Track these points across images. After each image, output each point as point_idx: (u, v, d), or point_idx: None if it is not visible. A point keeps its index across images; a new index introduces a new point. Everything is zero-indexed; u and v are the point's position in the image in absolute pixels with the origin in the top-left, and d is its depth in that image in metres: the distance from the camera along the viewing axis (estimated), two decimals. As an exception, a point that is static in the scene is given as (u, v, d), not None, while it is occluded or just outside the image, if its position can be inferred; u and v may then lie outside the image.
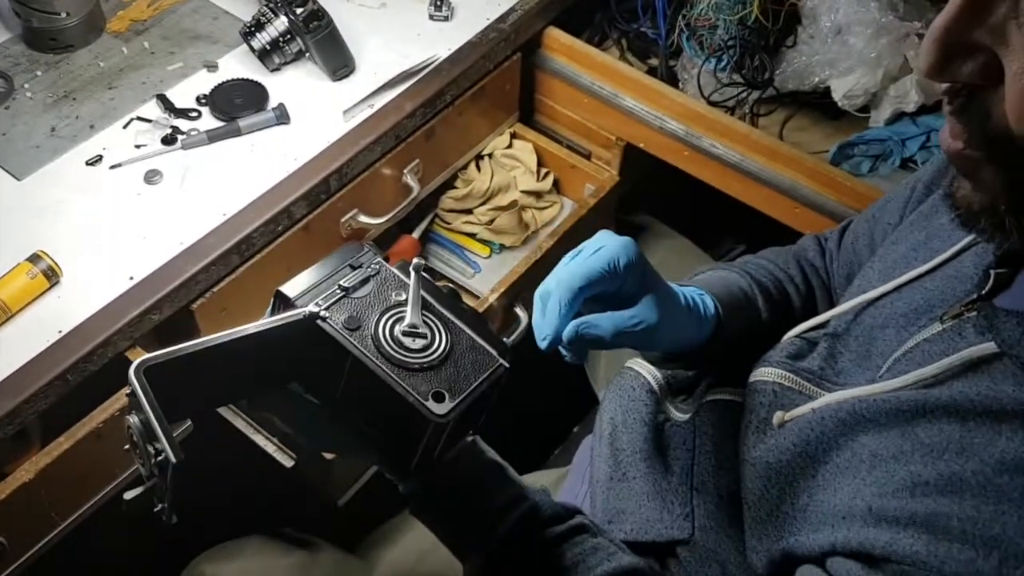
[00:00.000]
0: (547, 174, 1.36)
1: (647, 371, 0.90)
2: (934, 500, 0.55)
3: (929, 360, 0.61)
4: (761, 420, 0.71)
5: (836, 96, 1.19)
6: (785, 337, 0.80)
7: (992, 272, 0.60)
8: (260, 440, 1.10)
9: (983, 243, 0.65)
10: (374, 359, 0.63)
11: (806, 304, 0.89)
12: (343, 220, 1.12)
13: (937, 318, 0.63)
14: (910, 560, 0.54)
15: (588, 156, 1.38)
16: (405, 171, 1.18)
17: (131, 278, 0.95)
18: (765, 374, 0.74)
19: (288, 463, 1.08)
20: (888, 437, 0.60)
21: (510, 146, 1.35)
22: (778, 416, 0.69)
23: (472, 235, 1.33)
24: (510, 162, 1.34)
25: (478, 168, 1.33)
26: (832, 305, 0.90)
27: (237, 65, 1.18)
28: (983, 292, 0.60)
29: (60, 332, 0.91)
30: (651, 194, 1.44)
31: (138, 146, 1.08)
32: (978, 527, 0.52)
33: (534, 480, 1.06)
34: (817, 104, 1.25)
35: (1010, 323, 0.56)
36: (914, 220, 0.77)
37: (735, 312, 0.81)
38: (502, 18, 1.24)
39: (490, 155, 1.34)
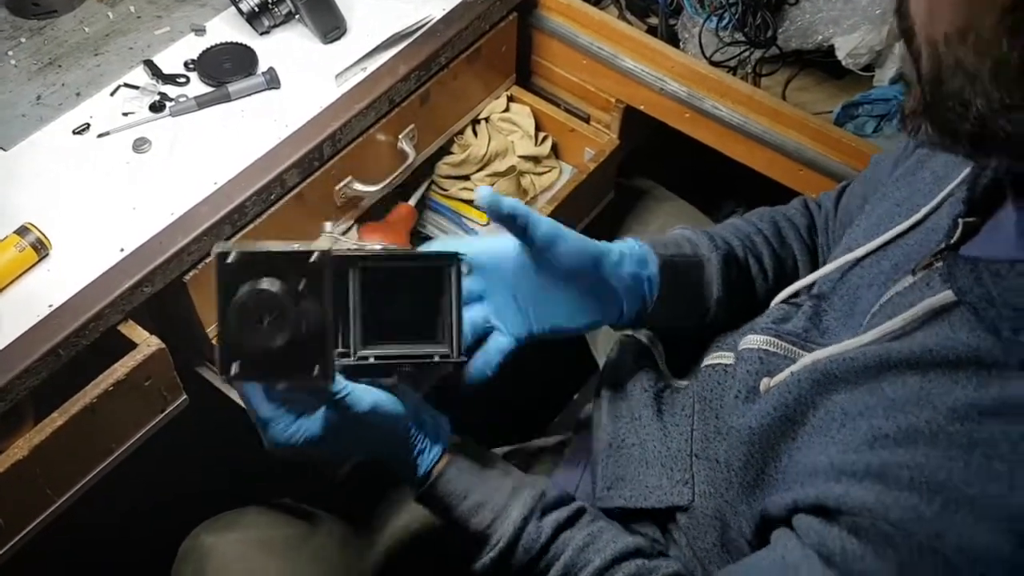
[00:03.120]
0: (545, 138, 1.33)
1: (646, 337, 0.89)
2: (890, 452, 0.55)
3: (898, 312, 0.61)
4: (749, 388, 0.71)
5: (840, 55, 1.17)
6: (773, 303, 0.80)
7: (960, 221, 0.61)
8: (257, 412, 1.09)
9: (959, 194, 0.65)
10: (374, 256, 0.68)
11: (778, 255, 0.89)
12: (337, 188, 1.10)
13: (910, 271, 0.64)
14: (858, 510, 0.54)
15: (587, 119, 1.35)
16: (400, 136, 1.16)
17: (121, 250, 0.93)
18: (752, 341, 0.74)
19: (286, 435, 1.07)
20: (857, 394, 0.60)
21: (507, 110, 1.32)
22: (764, 383, 0.69)
23: (470, 202, 1.31)
24: (507, 126, 1.32)
25: (475, 133, 1.31)
26: (816, 265, 0.90)
27: (226, 28, 1.15)
28: (951, 242, 0.61)
29: (51, 306, 0.89)
30: (652, 158, 1.42)
31: (126, 114, 1.05)
32: (925, 474, 0.52)
33: (534, 447, 1.07)
34: (820, 63, 1.23)
35: (965, 270, 0.56)
36: (899, 176, 0.77)
37: (671, 252, 0.83)
38: (497, -24, 1.20)
39: (487, 119, 1.32)
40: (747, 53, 1.21)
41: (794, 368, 0.67)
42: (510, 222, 0.76)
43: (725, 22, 1.20)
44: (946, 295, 0.57)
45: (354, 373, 0.68)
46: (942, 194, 0.68)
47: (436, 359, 0.70)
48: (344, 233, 1.16)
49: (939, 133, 0.53)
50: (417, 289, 0.71)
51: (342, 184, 1.10)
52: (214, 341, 1.05)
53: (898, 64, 1.16)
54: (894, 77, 1.18)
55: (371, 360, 0.69)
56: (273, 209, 1.02)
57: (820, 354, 0.65)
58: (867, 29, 1.14)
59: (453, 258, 0.71)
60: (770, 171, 1.18)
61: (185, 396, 0.98)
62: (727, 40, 1.21)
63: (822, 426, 0.62)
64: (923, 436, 0.54)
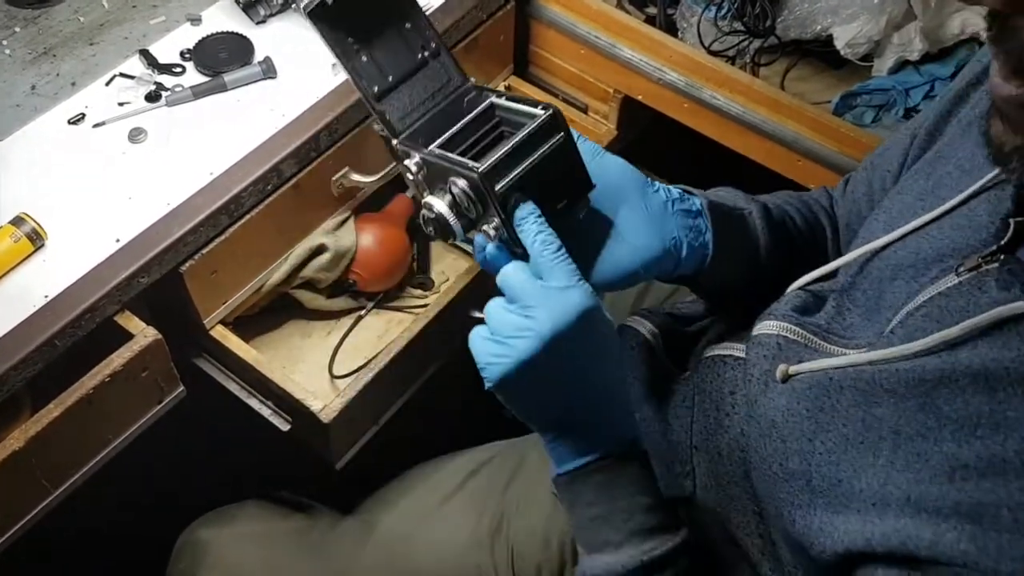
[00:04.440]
0: (543, 128, 1.32)
1: (646, 329, 0.89)
2: (976, 485, 0.51)
3: (948, 317, 0.58)
4: (763, 372, 0.69)
5: (839, 44, 1.17)
6: (790, 289, 0.78)
7: (1012, 221, 0.57)
8: (255, 404, 1.08)
9: (995, 190, 0.62)
10: None
11: (811, 224, 0.87)
12: (334, 179, 1.09)
13: (952, 270, 0.60)
14: (960, 561, 0.50)
15: (585, 110, 1.35)
16: (397, 127, 1.15)
17: (117, 240, 0.93)
18: (769, 327, 0.72)
19: (284, 427, 1.07)
20: (906, 410, 0.57)
21: (505, 100, 1.32)
22: (781, 369, 0.67)
23: (467, 192, 1.30)
24: (505, 117, 1.31)
25: (472, 123, 1.30)
26: (837, 247, 0.89)
27: (222, 17, 1.14)
28: (1003, 243, 0.58)
29: (46, 297, 0.89)
30: (650, 148, 1.41)
31: (121, 103, 1.05)
32: None
33: (532, 440, 1.06)
34: (819, 53, 1.22)
35: None
36: (919, 168, 0.74)
37: (722, 206, 0.79)
38: (495, -34, 1.20)
39: (484, 109, 1.31)
40: (746, 43, 1.21)
41: (830, 371, 0.63)
42: None
43: (724, 11, 1.20)
44: (1018, 305, 0.53)
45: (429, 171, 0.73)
46: (973, 187, 0.64)
47: (469, 166, 0.68)
48: (342, 223, 1.16)
49: None
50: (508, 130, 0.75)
51: (339, 174, 1.10)
52: (211, 332, 1.05)
53: (897, 54, 1.16)
54: (892, 67, 1.17)
55: (432, 149, 0.73)
56: (270, 199, 1.02)
57: (861, 357, 0.61)
58: (866, 19, 1.14)
59: (547, 108, 0.69)
60: (768, 161, 1.17)
61: (182, 388, 0.98)
62: (726, 29, 1.21)
63: (863, 441, 0.58)
64: (1014, 467, 0.50)
